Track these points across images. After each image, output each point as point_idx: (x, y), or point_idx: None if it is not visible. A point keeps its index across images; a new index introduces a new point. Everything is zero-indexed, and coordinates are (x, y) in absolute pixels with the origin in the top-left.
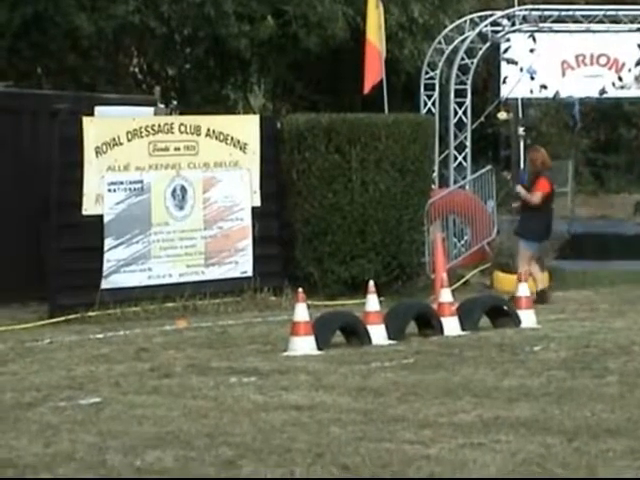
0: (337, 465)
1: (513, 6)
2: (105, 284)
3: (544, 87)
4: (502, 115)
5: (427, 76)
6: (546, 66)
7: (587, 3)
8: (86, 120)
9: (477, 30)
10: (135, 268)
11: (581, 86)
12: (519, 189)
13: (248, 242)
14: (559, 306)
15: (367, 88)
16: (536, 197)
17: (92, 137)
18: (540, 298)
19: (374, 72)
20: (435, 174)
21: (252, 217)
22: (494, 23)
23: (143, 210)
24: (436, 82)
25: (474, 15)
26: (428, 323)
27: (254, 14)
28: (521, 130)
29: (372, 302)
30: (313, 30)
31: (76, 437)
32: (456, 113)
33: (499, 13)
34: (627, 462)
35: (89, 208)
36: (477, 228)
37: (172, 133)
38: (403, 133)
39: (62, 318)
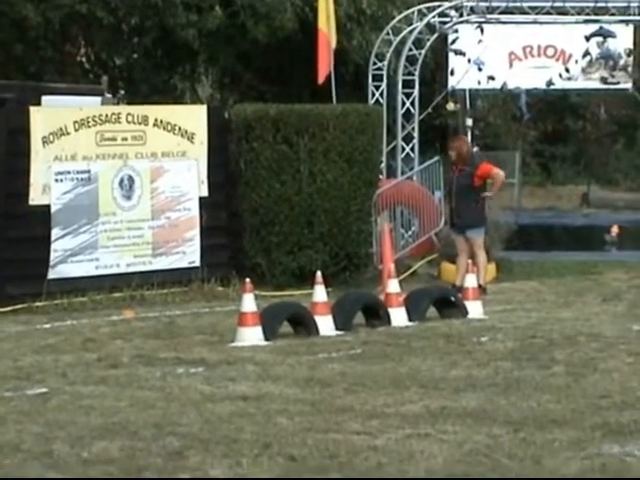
0: (284, 456)
1: None
2: (52, 274)
3: (492, 78)
4: (450, 106)
5: (375, 67)
6: (494, 57)
7: None
8: (33, 110)
9: (425, 21)
10: (82, 258)
11: (528, 77)
12: (489, 195)
13: (196, 232)
14: (506, 297)
15: (321, 78)
16: (501, 173)
17: (39, 127)
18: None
19: (327, 61)
20: (383, 165)
21: (200, 207)
22: (442, 14)
23: (90, 200)
24: (384, 73)
25: (422, 6)
26: (375, 314)
27: (202, 4)
28: (469, 121)
29: (319, 293)
30: (261, 20)
31: (22, 428)
32: (404, 104)
33: (447, 4)
34: (573, 452)
35: (36, 198)
36: (424, 219)
37: (119, 123)
38: (351, 124)
39: (9, 308)
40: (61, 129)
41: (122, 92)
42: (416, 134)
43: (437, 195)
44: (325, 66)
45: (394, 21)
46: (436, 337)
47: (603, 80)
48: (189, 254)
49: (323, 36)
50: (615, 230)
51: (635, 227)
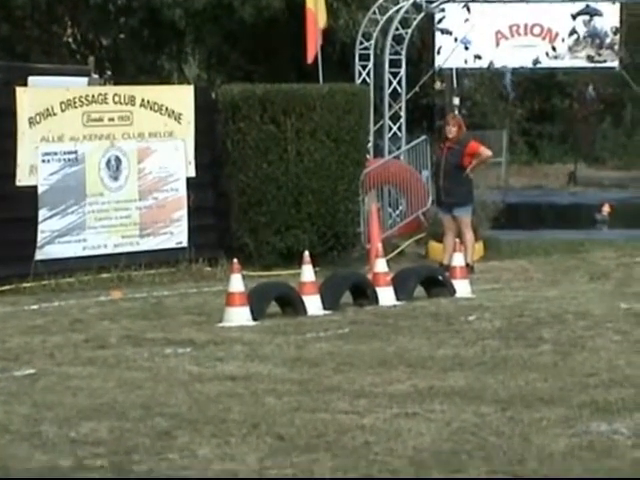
0: (272, 435)
1: None
2: (39, 255)
3: (478, 57)
4: (437, 85)
5: (362, 46)
6: (480, 36)
7: None
8: (19, 90)
9: (412, 0)
10: (70, 239)
11: (515, 56)
12: (469, 171)
13: (183, 213)
14: (493, 276)
15: (310, 57)
16: (488, 152)
17: (25, 108)
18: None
19: (315, 41)
20: (370, 144)
21: (187, 188)
22: None
23: (77, 181)
24: (371, 52)
25: None
26: (363, 293)
27: None
28: (456, 100)
29: (307, 272)
30: (248, 0)
31: (11, 409)
32: (391, 83)
33: None
34: (560, 430)
35: (23, 179)
36: (412, 198)
37: (106, 103)
38: (338, 103)
39: None
40: (48, 110)
41: (109, 72)
42: (403, 113)
43: (424, 174)
44: (313, 46)
45: (380, 0)
46: (424, 316)
47: (590, 59)
48: (176, 235)
49: (311, 16)
50: (606, 209)
51: (622, 205)
